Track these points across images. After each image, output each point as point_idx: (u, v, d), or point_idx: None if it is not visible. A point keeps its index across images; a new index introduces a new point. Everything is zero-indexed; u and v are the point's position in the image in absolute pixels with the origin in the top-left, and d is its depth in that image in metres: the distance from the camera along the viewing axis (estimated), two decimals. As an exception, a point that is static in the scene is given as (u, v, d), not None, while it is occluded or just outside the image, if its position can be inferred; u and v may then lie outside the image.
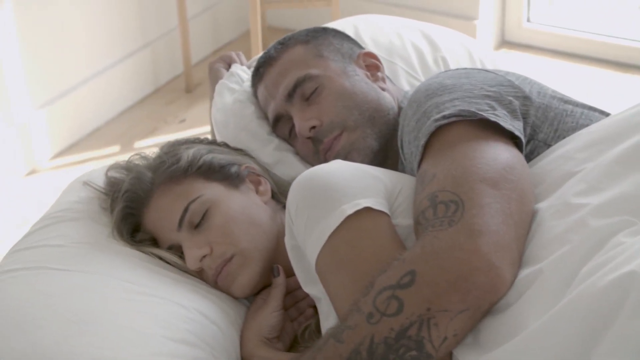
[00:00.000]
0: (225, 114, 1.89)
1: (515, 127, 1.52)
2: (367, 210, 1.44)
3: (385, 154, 1.77)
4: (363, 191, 1.47)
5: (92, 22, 3.30)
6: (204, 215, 1.60)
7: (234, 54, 2.06)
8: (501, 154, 1.47)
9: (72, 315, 1.44)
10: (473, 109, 1.51)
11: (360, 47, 1.88)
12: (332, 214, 1.45)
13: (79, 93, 3.29)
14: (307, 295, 1.64)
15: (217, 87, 1.95)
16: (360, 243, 1.44)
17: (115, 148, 3.27)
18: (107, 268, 1.55)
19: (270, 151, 1.82)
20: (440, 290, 1.29)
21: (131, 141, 3.30)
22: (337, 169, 1.52)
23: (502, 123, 1.50)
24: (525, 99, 1.58)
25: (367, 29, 2.09)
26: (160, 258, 1.62)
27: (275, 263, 1.63)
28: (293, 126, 1.80)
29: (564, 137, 1.60)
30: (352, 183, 1.48)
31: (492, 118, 1.50)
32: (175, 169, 1.64)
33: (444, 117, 1.50)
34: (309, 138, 1.76)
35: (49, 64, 3.16)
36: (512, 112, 1.54)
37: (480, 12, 3.61)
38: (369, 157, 1.74)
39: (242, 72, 1.98)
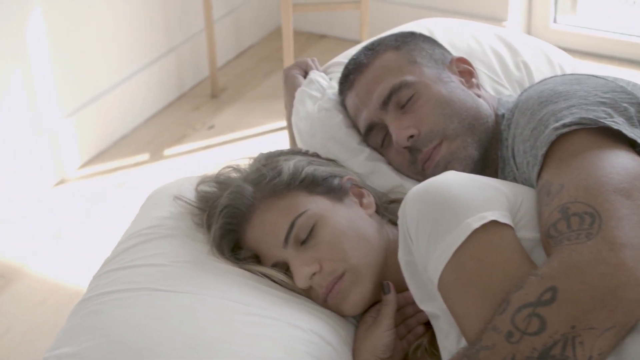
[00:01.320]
0: (311, 123, 1.81)
1: (636, 134, 1.47)
2: (493, 223, 1.38)
3: (485, 164, 1.71)
4: (486, 203, 1.41)
5: (118, 29, 3.22)
6: (311, 231, 1.53)
7: (309, 60, 1.98)
8: (629, 162, 1.41)
9: (190, 341, 1.36)
10: (592, 117, 1.45)
11: (449, 52, 1.82)
12: (456, 228, 1.39)
13: (105, 101, 3.21)
14: (416, 312, 1.58)
15: (298, 94, 1.88)
16: (487, 258, 1.38)
17: (145, 156, 3.19)
18: (215, 289, 1.47)
19: (362, 161, 1.75)
20: (586, 307, 1.24)
21: (160, 149, 3.22)
22: (455, 180, 1.45)
23: (624, 131, 1.45)
24: (640, 105, 1.53)
25: (443, 33, 2.03)
26: (266, 276, 1.55)
27: (384, 279, 1.56)
28: (386, 135, 1.73)
29: (686, 143, 1.54)
30: (474, 195, 1.42)
31: (615, 126, 1.45)
32: (278, 182, 1.57)
33: (564, 125, 1.45)
34: (406, 147, 1.69)
35: (76, 72, 3.08)
36: (629, 119, 1.49)
37: (509, 13, 3.56)
38: (469, 166, 1.68)
39: (322, 79, 1.91)
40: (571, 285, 1.25)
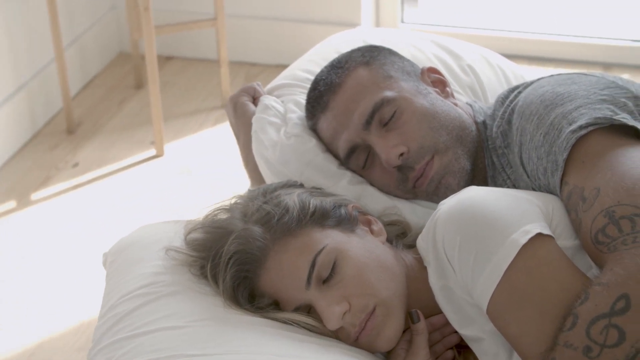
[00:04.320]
0: (281, 151, 1.70)
1: None
2: (538, 236, 1.34)
3: (473, 174, 1.66)
4: (525, 217, 1.37)
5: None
6: (333, 267, 1.42)
7: (256, 85, 1.87)
8: (653, 158, 1.40)
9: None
10: (605, 115, 1.44)
11: (415, 63, 1.76)
12: (502, 246, 1.34)
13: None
14: (443, 338, 1.51)
15: (256, 123, 1.76)
16: (539, 272, 1.33)
17: (12, 204, 2.95)
18: (251, 344, 1.35)
19: (345, 186, 1.66)
20: None
21: (26, 194, 2.99)
22: (488, 196, 1.40)
23: (638, 126, 1.44)
24: (637, 98, 1.53)
25: (381, 44, 1.95)
26: (290, 322, 1.43)
27: (408, 308, 1.48)
28: (368, 156, 1.65)
29: (681, 135, 1.55)
30: (511, 210, 1.38)
31: (631, 123, 1.44)
32: (289, 220, 1.45)
33: (581, 127, 1.43)
34: (396, 166, 1.61)
35: None
36: (631, 114, 1.49)
37: (362, 17, 3.55)
38: (463, 178, 1.63)
39: (277, 104, 1.80)
40: None
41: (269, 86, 1.91)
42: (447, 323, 1.49)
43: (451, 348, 1.51)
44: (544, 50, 3.58)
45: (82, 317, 2.45)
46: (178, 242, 1.54)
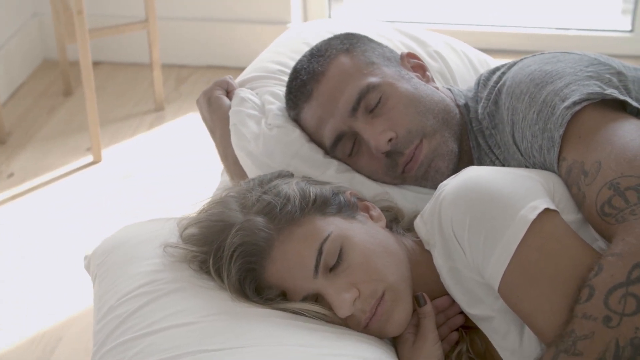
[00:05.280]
0: (264, 143, 1.67)
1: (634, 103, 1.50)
2: (546, 211, 1.35)
3: (459, 157, 1.66)
4: (531, 193, 1.38)
5: None
6: (340, 255, 1.41)
7: (228, 78, 1.83)
8: (647, 128, 1.43)
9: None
10: (594, 91, 1.46)
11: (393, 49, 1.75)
12: (512, 223, 1.34)
13: None
14: (447, 319, 1.51)
15: (234, 116, 1.73)
16: (550, 248, 1.34)
17: (-45, 221, 2.85)
18: (268, 336, 1.32)
19: (333, 174, 1.64)
20: None
21: (-35, 209, 2.89)
22: (491, 175, 1.41)
23: (629, 100, 1.47)
24: (620, 74, 1.56)
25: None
26: (301, 313, 1.40)
27: (413, 291, 1.47)
28: (355, 143, 1.64)
29: (665, 107, 1.58)
30: (517, 187, 1.38)
31: (621, 97, 1.46)
32: (292, 208, 1.42)
33: (575, 103, 1.45)
34: (384, 152, 1.61)
35: None
36: (617, 89, 1.51)
37: (292, 15, 3.54)
38: (452, 161, 1.63)
39: (253, 96, 1.77)
40: None
41: (239, 79, 1.88)
42: (451, 305, 1.49)
43: (456, 329, 1.51)
44: (474, 41, 3.61)
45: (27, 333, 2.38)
46: (172, 239, 1.50)
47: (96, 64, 3.62)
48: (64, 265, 2.59)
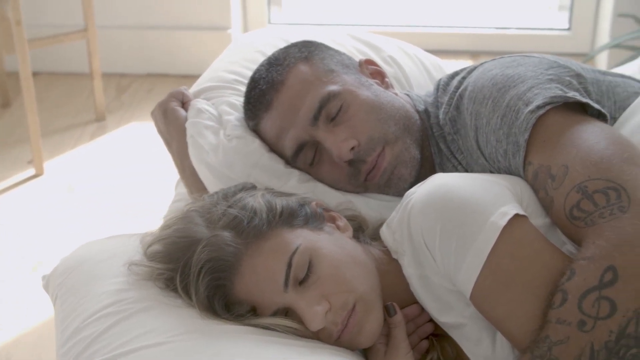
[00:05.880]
0: (224, 154, 1.65)
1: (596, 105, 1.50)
2: (516, 217, 1.35)
3: (421, 163, 1.66)
4: (499, 199, 1.37)
5: None
6: (309, 267, 1.39)
7: (184, 89, 1.81)
8: (611, 131, 1.44)
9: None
10: (556, 94, 1.46)
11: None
12: (483, 230, 1.33)
13: None
14: (417, 328, 1.50)
15: (191, 127, 1.70)
16: (521, 253, 1.34)
17: None
18: (245, 354, 1.30)
19: (295, 185, 1.63)
20: None
21: None
22: (459, 181, 1.40)
23: (591, 103, 1.48)
24: (579, 76, 1.56)
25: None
26: (272, 328, 1.38)
27: (383, 301, 1.46)
28: (316, 153, 1.62)
29: (623, 108, 1.60)
30: (485, 193, 1.38)
31: (583, 100, 1.47)
32: (259, 222, 1.40)
33: (538, 107, 1.45)
34: (347, 161, 1.59)
35: None
36: (578, 92, 1.52)
37: (232, 21, 3.51)
38: (415, 167, 1.63)
39: (209, 107, 1.75)
40: (629, 261, 1.24)
41: (194, 89, 1.85)
42: (420, 313, 1.49)
43: (426, 338, 1.50)
44: (414, 42, 3.62)
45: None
46: (135, 256, 1.47)
47: (34, 74, 3.55)
48: (6, 282, 2.53)
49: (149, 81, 3.51)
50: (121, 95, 3.48)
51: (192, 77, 3.41)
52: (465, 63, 2.68)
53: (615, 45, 3.04)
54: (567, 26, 3.63)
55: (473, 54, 3.58)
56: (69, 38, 3.11)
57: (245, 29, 3.68)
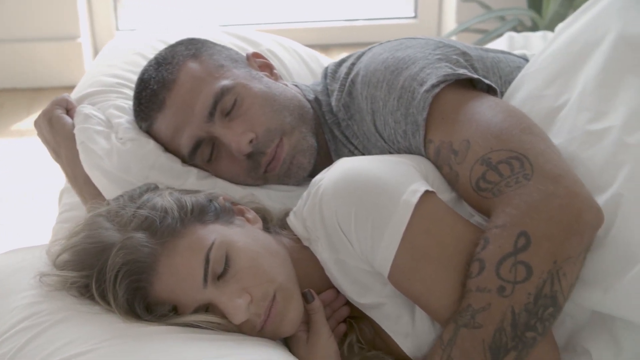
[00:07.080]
0: (118, 158, 1.62)
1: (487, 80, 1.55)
2: (426, 194, 1.38)
3: (317, 150, 1.68)
4: (408, 178, 1.41)
5: None
6: (226, 262, 1.38)
7: (67, 96, 1.76)
8: (505, 104, 1.50)
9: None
10: (447, 73, 1.51)
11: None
12: (396, 209, 1.36)
13: None
14: (333, 312, 1.52)
15: (81, 134, 1.67)
16: (435, 228, 1.38)
17: None
18: (174, 353, 1.28)
19: (194, 182, 1.62)
20: (560, 239, 1.30)
21: None
22: (366, 164, 1.43)
23: (482, 79, 1.53)
24: (465, 54, 1.61)
25: (176, 39, 1.91)
26: (195, 325, 1.37)
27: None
28: (213, 149, 1.62)
29: (509, 83, 1.65)
30: (394, 173, 1.41)
31: (475, 75, 1.52)
32: (172, 221, 1.39)
33: (433, 86, 1.49)
34: (246, 154, 1.60)
35: None
36: (466, 69, 1.57)
37: (80, 29, 3.45)
38: (313, 156, 1.65)
39: (97, 112, 1.71)
40: (539, 225, 1.30)
41: (75, 96, 1.80)
42: (336, 297, 1.50)
43: (343, 321, 1.52)
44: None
45: None
46: (43, 267, 1.43)
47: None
48: None
49: (4, 96, 3.40)
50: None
51: (46, 90, 3.34)
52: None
53: (464, 30, 3.14)
54: (413, 14, 3.72)
55: (323, 47, 3.62)
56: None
57: (94, 37, 3.61)
